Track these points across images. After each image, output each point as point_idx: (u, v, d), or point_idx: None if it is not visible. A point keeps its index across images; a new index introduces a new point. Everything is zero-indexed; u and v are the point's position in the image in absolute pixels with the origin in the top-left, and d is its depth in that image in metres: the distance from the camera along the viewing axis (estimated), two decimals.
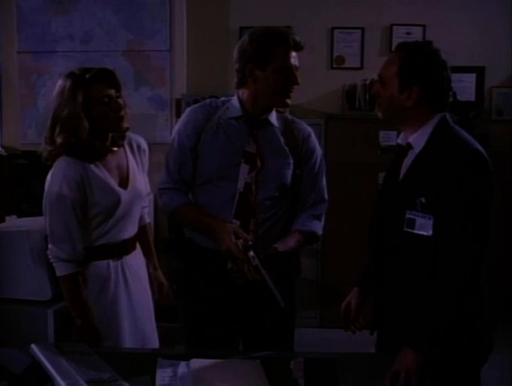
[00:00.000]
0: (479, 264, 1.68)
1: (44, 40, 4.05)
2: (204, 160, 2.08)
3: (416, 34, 3.98)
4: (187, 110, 2.17)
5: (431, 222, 1.70)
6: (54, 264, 2.02)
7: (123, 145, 2.13)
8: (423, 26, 4.00)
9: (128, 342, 2.07)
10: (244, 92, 2.08)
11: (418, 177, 1.75)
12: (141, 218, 2.23)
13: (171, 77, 4.04)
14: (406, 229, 1.74)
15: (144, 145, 2.21)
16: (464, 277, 1.65)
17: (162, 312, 2.91)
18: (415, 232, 1.72)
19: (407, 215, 1.73)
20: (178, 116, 2.25)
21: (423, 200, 1.71)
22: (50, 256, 2.02)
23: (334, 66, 4.12)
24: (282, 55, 2.01)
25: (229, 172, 2.04)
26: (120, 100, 2.02)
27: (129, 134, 2.14)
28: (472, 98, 4.04)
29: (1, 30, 4.07)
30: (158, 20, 4.00)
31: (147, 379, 1.65)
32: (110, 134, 2.06)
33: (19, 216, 3.35)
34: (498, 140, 3.90)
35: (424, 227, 1.71)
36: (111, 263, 2.06)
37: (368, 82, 3.85)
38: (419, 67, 1.74)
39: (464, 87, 3.97)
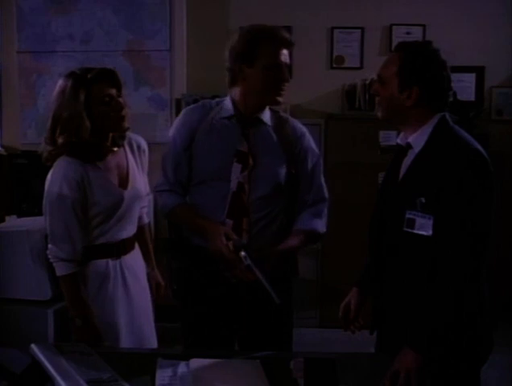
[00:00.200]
0: (479, 264, 1.68)
1: (44, 40, 4.05)
2: (198, 160, 2.09)
3: (416, 34, 3.98)
4: (182, 112, 2.19)
5: (430, 222, 1.69)
6: (54, 264, 2.02)
7: (123, 145, 2.13)
8: (423, 26, 4.00)
9: (126, 341, 2.07)
10: (235, 91, 2.08)
11: (417, 177, 1.75)
12: (140, 218, 2.23)
13: (170, 77, 4.04)
14: (405, 229, 1.74)
15: (144, 145, 2.22)
16: (464, 276, 1.65)
17: (161, 312, 2.91)
18: (415, 231, 1.72)
19: (407, 215, 1.73)
20: (178, 116, 2.26)
21: (423, 200, 1.71)
22: (50, 256, 2.02)
23: (334, 66, 4.12)
24: (269, 52, 2.01)
25: (222, 172, 2.05)
26: (121, 100, 2.03)
27: (129, 134, 2.14)
28: (472, 98, 4.04)
29: (1, 30, 4.07)
30: (158, 20, 4.00)
31: (147, 379, 1.65)
32: (111, 134, 2.06)
33: (19, 216, 3.35)
34: (498, 140, 3.90)
35: (424, 227, 1.71)
36: (110, 262, 2.07)
37: (368, 82, 3.85)
38: (419, 66, 1.74)
39: (464, 87, 3.97)
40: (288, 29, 4.04)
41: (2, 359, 1.74)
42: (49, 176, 2.00)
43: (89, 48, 4.02)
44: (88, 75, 1.97)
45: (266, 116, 2.11)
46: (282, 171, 2.09)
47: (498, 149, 3.81)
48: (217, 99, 2.17)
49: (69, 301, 2.03)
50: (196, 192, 2.12)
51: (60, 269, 2.01)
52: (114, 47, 4.02)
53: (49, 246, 2.02)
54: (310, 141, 2.18)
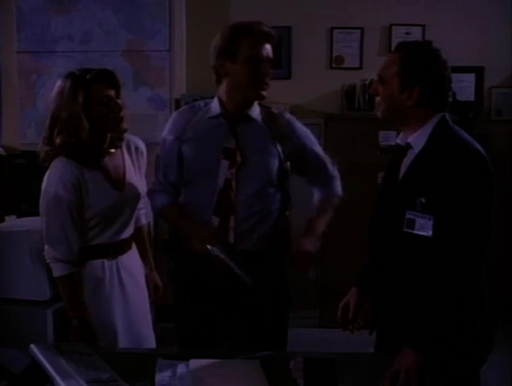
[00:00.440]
0: (479, 264, 1.68)
1: (44, 40, 4.04)
2: (187, 159, 2.10)
3: (416, 35, 3.97)
4: (173, 114, 2.23)
5: (430, 222, 1.69)
6: (51, 265, 2.02)
7: (121, 147, 2.13)
8: (423, 26, 4.00)
9: (123, 341, 2.07)
10: (221, 90, 2.09)
11: (417, 177, 1.75)
12: (137, 219, 2.24)
13: (170, 77, 4.04)
14: (405, 230, 1.73)
15: (142, 147, 2.22)
16: (464, 276, 1.65)
17: (161, 312, 2.91)
18: (415, 232, 1.72)
19: (407, 216, 1.73)
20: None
21: (423, 200, 1.70)
22: (46, 257, 2.02)
23: (333, 66, 4.12)
24: (249, 45, 2.00)
25: (210, 169, 2.06)
26: (119, 101, 2.02)
27: (127, 136, 2.14)
28: (472, 98, 4.04)
29: (1, 30, 4.07)
30: (157, 20, 4.00)
31: (147, 380, 1.65)
32: (109, 135, 2.06)
33: (19, 216, 3.35)
34: (498, 140, 3.90)
35: (424, 227, 1.70)
36: (106, 262, 2.07)
37: (367, 82, 3.85)
38: (421, 66, 1.74)
39: (464, 87, 3.97)
40: (288, 29, 4.06)
41: (2, 359, 1.74)
42: (46, 177, 2.00)
43: (89, 48, 4.02)
44: (87, 76, 1.97)
45: (255, 112, 2.11)
46: (274, 168, 2.09)
47: (498, 149, 3.81)
48: (206, 100, 2.18)
49: (66, 302, 2.03)
50: (185, 190, 2.14)
51: (57, 270, 2.01)
52: (114, 47, 4.02)
53: (45, 247, 2.02)
54: (301, 127, 2.19)
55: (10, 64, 4.09)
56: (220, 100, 2.10)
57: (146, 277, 2.29)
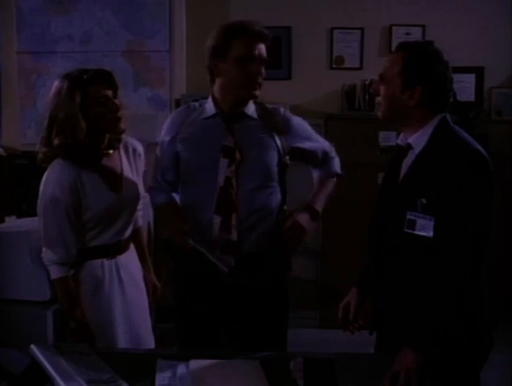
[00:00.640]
0: (479, 264, 1.68)
1: (44, 41, 4.04)
2: (184, 160, 2.11)
3: (416, 35, 3.97)
4: (170, 114, 2.25)
5: (431, 223, 1.69)
6: (48, 267, 2.02)
7: (118, 148, 2.12)
8: (423, 26, 4.00)
9: (122, 340, 2.07)
10: (215, 89, 2.09)
11: (418, 177, 1.75)
12: (135, 221, 2.24)
13: (170, 78, 4.04)
14: (406, 230, 1.73)
15: (140, 148, 2.22)
16: (464, 277, 1.65)
17: (160, 313, 2.91)
18: (416, 233, 1.72)
19: (408, 216, 1.73)
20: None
21: (424, 201, 1.70)
22: (44, 259, 2.02)
23: (333, 66, 4.12)
24: (240, 44, 2.01)
25: (209, 167, 2.06)
26: (117, 101, 2.02)
27: (125, 138, 2.15)
28: (472, 98, 4.04)
29: (0, 30, 4.07)
30: (157, 20, 4.00)
31: (147, 380, 1.65)
32: (107, 136, 2.06)
33: (19, 217, 3.35)
34: (498, 140, 3.90)
35: (425, 228, 1.70)
36: (105, 262, 2.07)
37: (367, 82, 3.85)
38: (423, 66, 1.74)
39: (464, 87, 3.96)
40: (288, 30, 4.06)
41: (2, 359, 1.74)
42: (43, 179, 2.01)
43: (89, 49, 4.02)
44: (84, 76, 1.97)
45: (251, 109, 2.11)
46: (272, 163, 2.10)
47: (498, 149, 3.80)
48: (202, 100, 2.19)
49: (63, 304, 2.03)
50: (184, 190, 2.15)
51: (54, 272, 2.01)
52: (114, 47, 4.02)
53: (43, 249, 2.02)
54: (296, 118, 2.20)
55: (10, 64, 4.09)
56: (214, 100, 2.10)
57: (145, 278, 2.29)
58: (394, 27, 4.03)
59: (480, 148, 1.71)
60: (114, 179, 2.08)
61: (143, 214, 2.36)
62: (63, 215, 1.97)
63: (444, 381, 1.73)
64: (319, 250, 3.93)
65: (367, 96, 3.88)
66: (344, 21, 4.06)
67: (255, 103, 2.14)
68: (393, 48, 3.91)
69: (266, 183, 2.09)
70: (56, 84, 2.01)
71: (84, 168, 2.00)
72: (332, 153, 2.28)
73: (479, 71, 4.04)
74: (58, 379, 1.58)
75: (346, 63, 4.11)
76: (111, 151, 2.09)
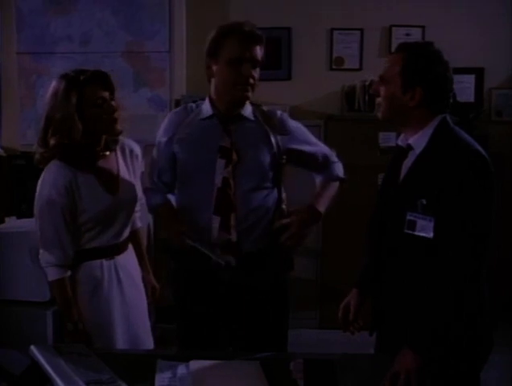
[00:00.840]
0: (479, 265, 1.68)
1: (43, 41, 4.04)
2: (181, 161, 2.11)
3: (415, 35, 3.97)
4: (167, 115, 2.24)
5: (431, 224, 1.69)
6: (45, 269, 2.02)
7: (115, 150, 2.12)
8: (423, 27, 4.00)
9: (121, 342, 2.08)
10: (212, 90, 2.10)
11: (418, 178, 1.75)
12: (133, 222, 2.24)
13: (170, 78, 4.04)
14: (406, 231, 1.73)
15: (137, 150, 2.22)
16: (464, 277, 1.65)
17: (160, 313, 2.91)
18: (416, 233, 1.72)
19: (408, 217, 1.73)
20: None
21: (424, 202, 1.70)
22: (41, 261, 2.03)
23: (333, 67, 4.12)
24: (231, 46, 2.00)
25: (206, 168, 2.06)
26: (113, 103, 2.02)
27: (122, 139, 2.15)
28: (472, 99, 4.04)
29: (0, 31, 4.07)
30: (157, 21, 4.00)
31: (146, 381, 1.65)
32: (103, 137, 2.06)
33: (19, 217, 3.34)
34: (498, 141, 3.90)
35: (425, 229, 1.70)
36: (104, 263, 2.07)
37: (367, 83, 3.85)
38: (423, 67, 1.74)
39: (464, 88, 3.97)
40: (288, 30, 4.06)
41: (2, 360, 1.74)
42: (40, 181, 2.01)
43: (88, 49, 4.02)
44: (81, 77, 1.97)
45: (247, 111, 2.11)
46: (270, 163, 2.09)
47: (498, 150, 3.80)
48: (199, 102, 2.18)
49: (60, 306, 2.04)
50: (182, 191, 2.15)
51: (51, 274, 2.01)
52: (114, 48, 4.02)
53: (40, 251, 2.02)
54: (292, 121, 2.19)
55: (10, 65, 4.09)
56: (211, 101, 2.10)
57: (144, 279, 2.29)
58: (393, 28, 4.04)
59: (480, 149, 1.71)
60: (111, 181, 2.08)
61: (143, 215, 2.36)
62: (59, 216, 1.97)
63: (444, 382, 1.73)
64: (319, 250, 3.93)
65: (367, 97, 3.88)
66: (344, 21, 4.06)
67: (252, 104, 2.14)
68: (393, 49, 3.90)
69: (263, 184, 2.09)
70: (54, 84, 2.01)
71: (80, 169, 2.00)
72: (334, 157, 2.26)
73: (479, 72, 4.04)
74: (57, 380, 1.58)
75: (346, 64, 4.11)
76: (108, 153, 2.09)
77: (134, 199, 2.16)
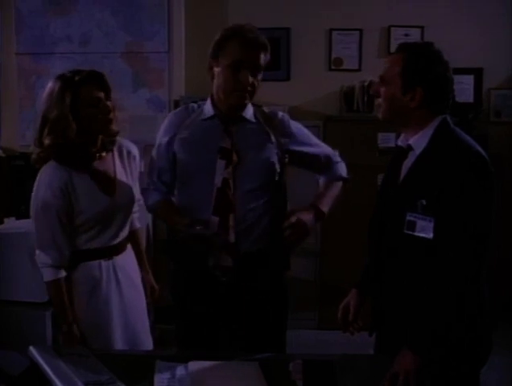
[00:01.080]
0: (479, 266, 1.67)
1: (43, 42, 4.04)
2: (182, 161, 2.11)
3: (414, 36, 3.97)
4: (168, 115, 2.23)
5: (431, 224, 1.69)
6: (41, 270, 2.03)
7: (112, 151, 2.12)
8: (422, 27, 4.00)
9: (119, 342, 2.08)
10: (213, 90, 2.09)
11: (418, 179, 1.75)
12: (131, 223, 2.24)
13: (169, 79, 4.04)
14: (406, 231, 1.73)
15: (135, 151, 2.22)
16: (465, 278, 1.65)
17: (160, 314, 2.90)
18: (416, 234, 1.71)
19: (408, 218, 1.73)
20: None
21: (424, 202, 1.70)
22: (37, 261, 2.03)
23: (332, 67, 4.12)
24: (231, 50, 1.99)
25: (206, 169, 2.06)
26: (109, 103, 2.02)
27: (119, 140, 2.15)
28: (471, 100, 4.04)
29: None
30: (156, 22, 4.00)
31: (145, 382, 1.65)
32: (100, 138, 2.06)
33: (18, 218, 3.34)
34: (497, 141, 3.90)
35: (425, 229, 1.70)
36: (102, 263, 2.07)
37: (366, 84, 3.85)
38: (423, 67, 1.74)
39: (463, 88, 3.96)
40: (287, 31, 4.06)
41: (0, 361, 1.73)
42: (36, 182, 2.01)
43: (88, 50, 4.02)
44: (76, 78, 1.97)
45: (249, 112, 2.11)
46: (269, 165, 2.09)
47: (497, 150, 3.80)
48: (201, 102, 2.18)
49: (56, 307, 2.04)
50: (181, 191, 2.15)
51: (47, 275, 2.01)
52: (113, 48, 4.02)
53: (36, 252, 2.03)
54: (294, 123, 2.19)
55: (10, 66, 4.09)
56: (213, 101, 2.10)
57: (143, 279, 2.29)
58: (392, 28, 4.03)
59: (480, 149, 1.71)
60: (107, 182, 2.08)
61: (141, 216, 2.36)
62: (54, 218, 1.98)
63: (444, 382, 1.73)
64: (318, 250, 3.93)
65: (366, 98, 3.88)
66: (343, 22, 4.06)
67: (253, 105, 2.14)
68: (392, 49, 3.93)
69: (263, 185, 2.09)
70: (50, 84, 2.02)
71: (75, 170, 2.00)
72: (336, 157, 2.26)
73: (478, 73, 4.04)
74: (56, 380, 1.58)
75: (345, 65, 4.11)
76: (104, 154, 2.08)
77: (132, 201, 2.15)
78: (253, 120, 2.11)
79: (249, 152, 2.07)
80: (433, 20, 3.96)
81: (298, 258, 2.26)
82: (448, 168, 1.68)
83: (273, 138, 2.10)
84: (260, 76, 2.04)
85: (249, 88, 2.01)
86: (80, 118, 1.97)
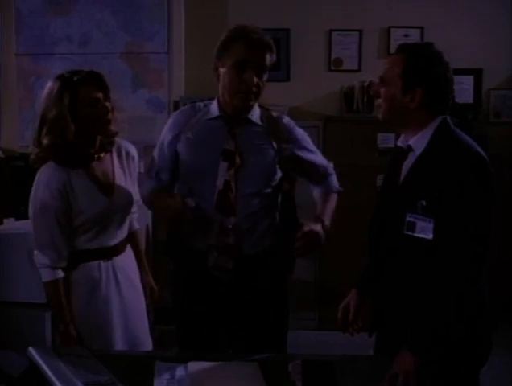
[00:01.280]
0: (480, 266, 1.67)
1: (43, 42, 4.04)
2: (185, 162, 2.10)
3: (414, 37, 3.97)
4: (173, 114, 2.22)
5: (431, 225, 1.69)
6: (39, 270, 2.03)
7: (111, 151, 2.12)
8: (421, 28, 4.00)
9: (119, 343, 2.08)
10: (219, 91, 2.08)
11: (418, 179, 1.75)
12: (130, 224, 2.23)
13: (169, 79, 4.04)
14: (406, 232, 1.73)
15: (133, 151, 2.21)
16: (464, 279, 1.65)
17: (159, 314, 2.90)
18: (416, 235, 1.71)
19: (408, 218, 1.73)
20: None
21: (424, 203, 1.70)
22: (36, 262, 2.03)
23: (332, 68, 4.12)
24: (236, 51, 1.97)
25: (208, 170, 2.05)
26: (108, 104, 2.02)
27: (118, 141, 2.14)
28: (470, 100, 4.04)
29: None
30: (156, 22, 4.00)
31: (145, 382, 1.65)
32: (98, 138, 2.06)
33: (17, 219, 3.34)
34: (496, 142, 3.90)
35: (425, 230, 1.70)
36: (102, 264, 2.07)
37: (366, 84, 3.85)
38: (423, 68, 1.73)
39: (462, 89, 3.96)
40: (287, 31, 4.06)
41: (0, 361, 1.73)
42: (34, 182, 2.01)
43: (87, 51, 4.02)
44: (75, 78, 1.97)
45: (255, 115, 2.10)
46: (273, 169, 2.09)
47: (497, 151, 3.80)
48: (207, 101, 2.17)
49: (53, 307, 2.05)
50: (183, 191, 2.13)
51: (45, 275, 2.02)
52: (113, 49, 4.02)
53: (35, 252, 2.03)
54: (300, 130, 2.18)
55: (9, 66, 4.09)
56: (218, 102, 2.09)
57: (142, 280, 2.28)
58: (392, 29, 4.04)
59: (480, 150, 1.71)
60: (106, 183, 2.07)
61: (141, 217, 2.36)
62: (52, 219, 1.98)
63: (444, 382, 1.73)
64: (317, 251, 3.93)
65: (365, 98, 3.88)
66: (343, 23, 4.06)
67: (261, 107, 2.13)
68: (391, 50, 3.93)
69: (265, 189, 2.09)
70: (49, 85, 2.02)
71: (74, 171, 2.00)
72: (331, 169, 2.26)
73: (477, 73, 4.04)
74: (56, 381, 1.57)
75: (345, 65, 4.11)
76: (103, 154, 2.08)
77: (130, 201, 2.15)
78: (259, 122, 2.10)
79: (252, 155, 2.06)
80: (433, 21, 3.96)
81: (298, 259, 2.25)
82: (447, 169, 1.68)
83: (274, 144, 2.08)
84: (265, 77, 2.03)
85: (253, 89, 2.00)
86: (79, 118, 1.97)
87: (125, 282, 2.13)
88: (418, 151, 1.77)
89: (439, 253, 1.68)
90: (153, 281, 2.37)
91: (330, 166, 2.26)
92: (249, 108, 2.06)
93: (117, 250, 2.12)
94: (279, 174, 2.11)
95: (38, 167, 2.02)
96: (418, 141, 1.78)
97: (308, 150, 2.18)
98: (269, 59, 2.01)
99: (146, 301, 2.28)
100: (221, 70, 2.02)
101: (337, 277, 3.66)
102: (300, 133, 2.18)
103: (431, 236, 1.69)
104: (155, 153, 2.18)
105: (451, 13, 3.98)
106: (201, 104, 2.16)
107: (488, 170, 1.68)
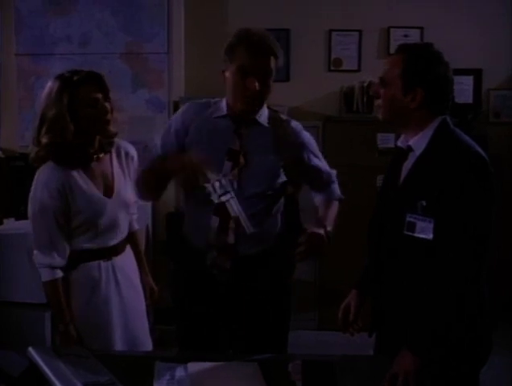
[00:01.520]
0: (480, 267, 1.67)
1: (42, 43, 4.04)
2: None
3: (414, 37, 3.98)
4: (186, 104, 2.16)
5: (431, 225, 1.69)
6: (39, 270, 2.03)
7: (110, 152, 2.12)
8: (421, 28, 4.00)
9: (119, 343, 2.08)
10: (227, 92, 2.08)
11: (418, 180, 1.75)
12: (130, 225, 2.23)
13: (168, 80, 4.04)
14: (406, 232, 1.73)
15: (133, 152, 2.21)
16: (464, 279, 1.65)
17: (159, 315, 2.90)
18: (416, 235, 1.71)
19: (408, 219, 1.73)
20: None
21: (424, 203, 1.70)
22: (35, 262, 2.03)
23: (332, 68, 4.12)
24: (238, 55, 1.95)
25: (212, 168, 2.04)
26: (107, 104, 2.02)
27: (118, 141, 2.14)
28: (470, 100, 4.05)
29: None
30: (156, 22, 4.00)
31: (145, 383, 1.65)
32: (97, 138, 2.06)
33: (17, 219, 3.34)
34: (496, 142, 3.90)
35: (425, 230, 1.70)
36: (102, 264, 2.07)
37: (366, 84, 3.85)
38: (423, 68, 1.73)
39: (462, 89, 3.97)
40: (286, 32, 4.06)
41: (0, 361, 1.73)
42: (33, 182, 2.01)
43: (87, 51, 4.02)
44: (75, 78, 1.98)
45: (263, 116, 2.09)
46: (277, 172, 2.08)
47: (496, 151, 3.80)
48: (218, 98, 2.16)
49: (53, 307, 2.05)
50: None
51: (45, 275, 2.02)
52: (113, 49, 4.02)
53: (34, 252, 2.03)
54: (307, 134, 2.17)
55: (9, 66, 4.09)
56: (227, 101, 2.09)
57: (142, 280, 2.29)
58: (392, 29, 4.04)
59: (480, 150, 1.71)
60: (105, 184, 2.08)
61: (140, 217, 2.36)
62: (51, 219, 1.98)
63: (444, 382, 1.73)
64: (319, 255, 3.92)
65: (365, 98, 3.88)
66: (343, 23, 4.07)
67: (270, 109, 2.12)
68: (391, 50, 3.93)
69: (267, 191, 2.08)
70: (49, 84, 2.02)
71: (73, 171, 2.00)
72: (334, 177, 2.25)
73: (477, 73, 4.05)
74: (55, 381, 1.57)
75: (344, 65, 4.11)
76: (102, 155, 2.08)
77: (129, 202, 2.15)
78: (266, 124, 2.09)
79: (257, 156, 2.05)
80: (432, 21, 3.97)
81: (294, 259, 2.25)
82: (447, 169, 1.68)
83: (280, 146, 2.07)
84: (271, 81, 1.99)
85: (256, 95, 1.97)
86: (78, 118, 1.97)
87: (124, 282, 2.13)
88: (418, 151, 1.77)
89: (439, 253, 1.68)
90: (153, 282, 2.37)
91: (333, 173, 2.25)
92: (254, 112, 2.05)
93: (116, 250, 2.12)
94: (283, 177, 2.11)
95: (37, 166, 2.03)
96: (418, 142, 1.78)
97: (314, 155, 2.17)
98: (273, 63, 1.98)
99: (146, 302, 2.28)
100: (227, 73, 2.01)
101: (337, 277, 3.66)
102: (307, 136, 2.17)
103: (431, 236, 1.69)
104: (157, 144, 2.11)
105: (451, 13, 3.99)
106: (212, 101, 2.14)
107: (488, 170, 1.68)
